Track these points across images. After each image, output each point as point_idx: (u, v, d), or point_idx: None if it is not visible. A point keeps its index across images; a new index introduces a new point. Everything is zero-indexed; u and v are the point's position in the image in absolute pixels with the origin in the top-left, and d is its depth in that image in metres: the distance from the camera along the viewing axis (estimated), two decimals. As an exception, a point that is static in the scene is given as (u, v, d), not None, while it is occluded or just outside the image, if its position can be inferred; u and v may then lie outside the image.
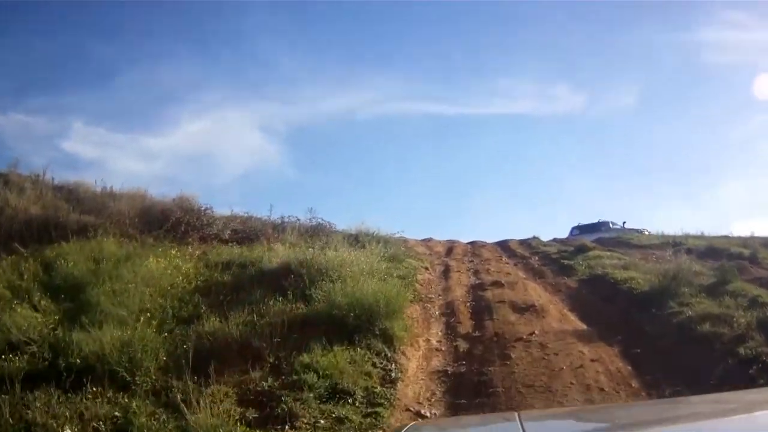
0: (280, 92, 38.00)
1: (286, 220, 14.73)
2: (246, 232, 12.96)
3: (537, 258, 16.06)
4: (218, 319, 6.88)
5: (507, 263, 15.59)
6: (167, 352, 6.07)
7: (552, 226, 41.70)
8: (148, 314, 6.72)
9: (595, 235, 22.97)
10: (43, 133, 30.86)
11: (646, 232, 23.46)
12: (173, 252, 9.21)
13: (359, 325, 7.03)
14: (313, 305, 7.64)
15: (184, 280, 8.25)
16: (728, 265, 10.69)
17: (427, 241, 21.06)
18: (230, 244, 11.85)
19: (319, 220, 14.62)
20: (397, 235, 19.07)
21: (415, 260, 13.94)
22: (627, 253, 15.40)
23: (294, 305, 7.65)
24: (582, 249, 14.44)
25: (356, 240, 13.17)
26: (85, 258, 8.27)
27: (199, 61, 35.65)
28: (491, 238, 25.92)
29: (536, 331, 8.22)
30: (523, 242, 20.95)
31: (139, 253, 8.79)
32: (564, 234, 25.91)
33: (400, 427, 2.24)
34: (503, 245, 21.03)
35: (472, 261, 15.78)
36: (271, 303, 7.53)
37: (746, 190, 38.86)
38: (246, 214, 14.12)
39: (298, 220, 14.55)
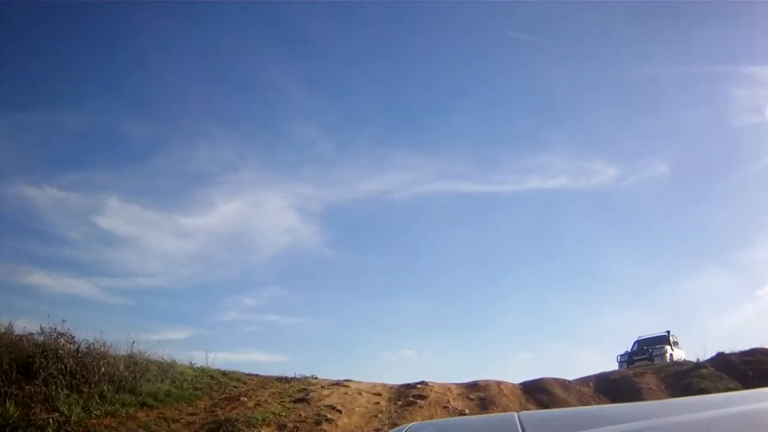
0: (314, 173, 38.82)
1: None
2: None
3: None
4: None
5: None
6: None
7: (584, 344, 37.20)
8: None
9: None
10: (78, 209, 31.58)
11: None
12: None
13: None
14: None
15: None
16: None
17: (407, 404, 13.00)
18: None
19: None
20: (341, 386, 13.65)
21: None
22: None
23: None
24: None
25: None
26: None
27: (234, 141, 36.54)
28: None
29: None
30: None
31: None
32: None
33: (400, 428, 1.84)
34: None
35: None
36: None
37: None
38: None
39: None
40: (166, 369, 14.50)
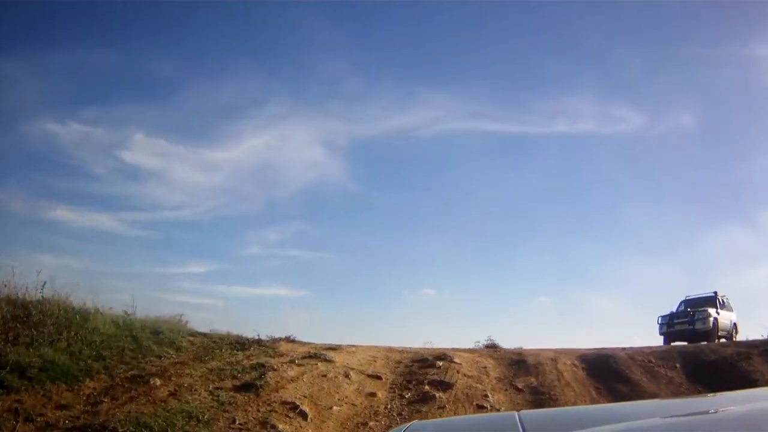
0: (341, 109, 37.10)
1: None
2: None
3: None
4: None
5: None
6: None
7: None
8: None
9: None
10: (103, 144, 30.46)
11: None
12: None
13: None
14: None
15: None
16: None
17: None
18: None
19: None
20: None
21: None
22: None
23: None
24: None
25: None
26: None
27: (261, 76, 35.48)
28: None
29: None
30: None
31: None
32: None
33: (400, 427, 1.79)
34: None
35: None
36: None
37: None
38: None
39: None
40: (70, 324, 9.84)
